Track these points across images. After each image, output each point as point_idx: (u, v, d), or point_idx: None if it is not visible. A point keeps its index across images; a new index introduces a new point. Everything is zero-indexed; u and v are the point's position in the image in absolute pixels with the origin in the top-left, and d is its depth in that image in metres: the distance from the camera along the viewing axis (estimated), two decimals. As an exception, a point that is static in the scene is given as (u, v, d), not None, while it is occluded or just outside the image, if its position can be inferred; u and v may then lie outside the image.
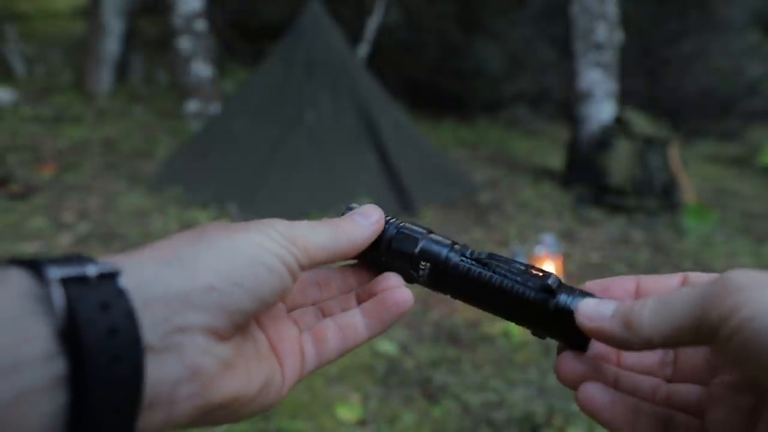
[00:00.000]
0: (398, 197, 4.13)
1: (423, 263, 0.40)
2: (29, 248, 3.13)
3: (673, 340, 0.29)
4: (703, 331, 0.28)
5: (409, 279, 0.41)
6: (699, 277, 0.34)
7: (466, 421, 2.04)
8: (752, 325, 0.25)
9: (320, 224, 0.37)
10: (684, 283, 0.35)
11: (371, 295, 0.40)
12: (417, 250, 0.40)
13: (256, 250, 0.32)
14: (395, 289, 0.40)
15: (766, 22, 8.63)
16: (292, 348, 0.38)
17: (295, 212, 3.85)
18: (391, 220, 0.42)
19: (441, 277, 0.40)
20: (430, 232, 0.42)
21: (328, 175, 4.12)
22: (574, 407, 2.06)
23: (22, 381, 0.24)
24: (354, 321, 0.39)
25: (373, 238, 0.40)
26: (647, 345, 0.30)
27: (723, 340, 0.27)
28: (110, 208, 3.83)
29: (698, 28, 8.14)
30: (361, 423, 2.01)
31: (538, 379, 2.28)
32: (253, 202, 3.86)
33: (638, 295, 0.36)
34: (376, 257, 0.41)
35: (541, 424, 2.00)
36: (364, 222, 0.39)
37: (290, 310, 0.40)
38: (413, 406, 2.10)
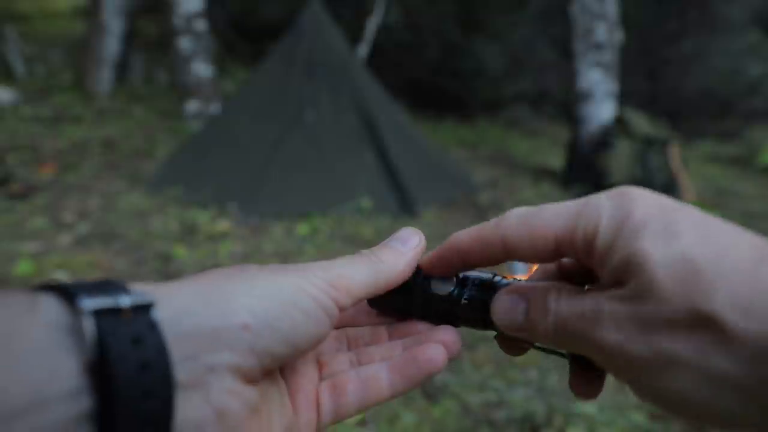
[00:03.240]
0: (398, 197, 4.13)
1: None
2: (29, 248, 3.13)
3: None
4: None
5: (484, 327, 0.37)
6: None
7: (466, 421, 2.04)
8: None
9: (358, 259, 0.35)
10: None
11: (405, 334, 0.38)
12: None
13: (295, 293, 0.31)
14: (437, 345, 0.36)
15: (766, 22, 8.63)
16: (308, 399, 0.35)
17: (295, 212, 3.85)
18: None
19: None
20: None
21: (328, 175, 4.12)
22: (575, 407, 2.06)
23: (44, 420, 0.23)
24: (378, 374, 0.36)
25: (414, 264, 0.37)
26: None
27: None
28: (110, 208, 3.83)
29: (698, 28, 8.14)
30: (361, 423, 2.01)
31: (538, 379, 2.29)
32: (253, 202, 3.86)
33: (558, 249, 0.33)
34: (402, 303, 0.38)
35: (541, 424, 2.00)
36: (404, 248, 0.37)
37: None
38: (413, 405, 2.10)
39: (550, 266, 0.38)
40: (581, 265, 0.35)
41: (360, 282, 0.34)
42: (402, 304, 0.38)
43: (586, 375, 0.35)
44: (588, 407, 2.08)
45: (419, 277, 0.38)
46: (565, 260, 0.36)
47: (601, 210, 0.30)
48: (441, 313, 0.38)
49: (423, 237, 0.38)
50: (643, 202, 0.29)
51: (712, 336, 0.25)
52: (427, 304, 0.38)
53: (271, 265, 0.33)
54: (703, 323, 0.26)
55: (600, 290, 0.30)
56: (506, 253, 0.33)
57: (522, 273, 3.07)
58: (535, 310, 0.32)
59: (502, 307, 0.35)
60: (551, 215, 0.31)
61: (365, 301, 0.38)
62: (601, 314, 0.29)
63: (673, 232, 0.27)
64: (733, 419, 0.26)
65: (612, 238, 0.29)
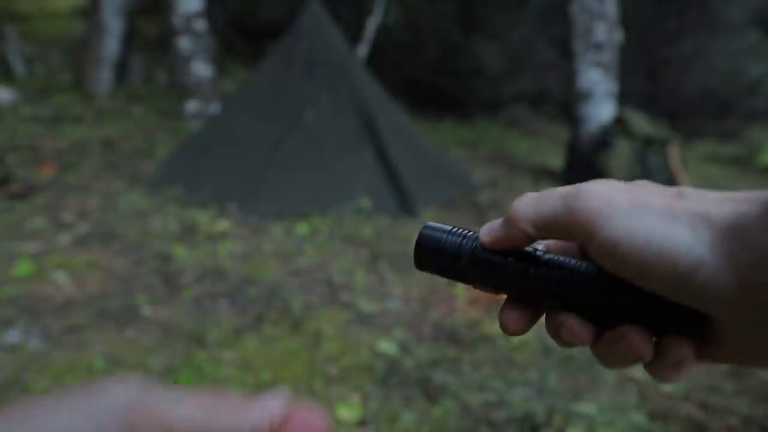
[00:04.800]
0: (397, 197, 4.13)
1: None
2: (29, 248, 3.13)
3: (545, 232, 0.35)
4: (570, 235, 0.34)
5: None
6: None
7: (466, 421, 2.04)
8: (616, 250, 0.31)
9: (195, 398, 0.29)
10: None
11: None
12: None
13: None
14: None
15: (766, 22, 8.63)
16: None
17: (294, 212, 3.85)
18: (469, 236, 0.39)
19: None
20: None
21: (328, 175, 4.12)
22: (575, 407, 2.06)
23: None
24: None
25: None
26: (526, 236, 0.36)
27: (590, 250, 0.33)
28: (110, 207, 3.83)
29: (698, 28, 8.14)
30: (361, 423, 2.01)
31: (538, 379, 2.28)
32: (252, 202, 3.86)
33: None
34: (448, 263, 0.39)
35: (541, 424, 2.00)
36: (253, 411, 0.29)
37: None
38: (413, 406, 2.10)
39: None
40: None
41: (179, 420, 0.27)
42: (448, 263, 0.39)
43: (520, 309, 0.37)
44: (588, 407, 2.08)
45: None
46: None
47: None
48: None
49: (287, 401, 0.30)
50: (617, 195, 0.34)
51: (678, 197, 0.32)
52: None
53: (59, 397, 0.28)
54: (672, 192, 0.32)
55: None
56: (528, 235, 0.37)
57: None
58: (514, 212, 0.36)
59: (486, 226, 0.38)
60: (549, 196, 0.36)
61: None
62: (589, 185, 0.33)
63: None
64: (686, 258, 0.29)
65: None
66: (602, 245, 0.31)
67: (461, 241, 0.39)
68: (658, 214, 0.30)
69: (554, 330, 0.36)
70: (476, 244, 0.38)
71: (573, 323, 0.35)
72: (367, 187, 4.09)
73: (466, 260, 0.38)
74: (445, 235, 0.39)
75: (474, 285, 0.39)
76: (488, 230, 0.37)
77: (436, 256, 0.39)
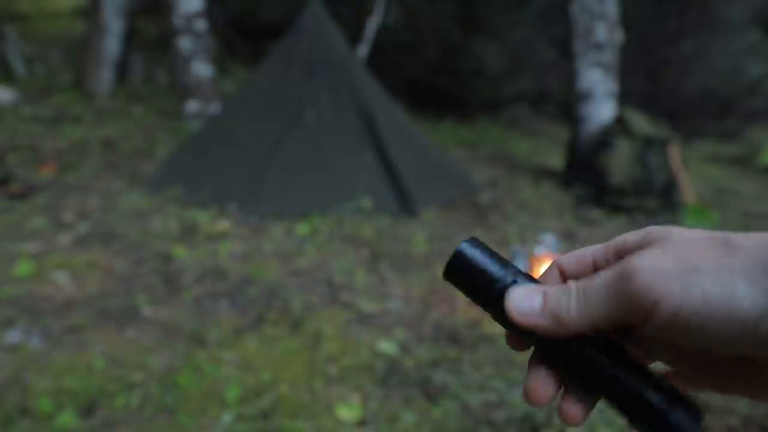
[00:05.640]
0: (398, 197, 4.13)
1: None
2: (29, 248, 3.13)
3: (598, 328, 0.34)
4: (626, 322, 0.33)
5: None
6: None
7: (467, 421, 2.03)
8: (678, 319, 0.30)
9: None
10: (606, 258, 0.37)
11: None
12: None
13: None
14: None
15: (766, 22, 8.63)
16: None
17: (294, 212, 3.85)
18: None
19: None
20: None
21: (328, 175, 4.12)
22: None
23: None
24: None
25: None
26: (578, 333, 0.35)
27: (648, 331, 0.32)
28: (110, 207, 3.83)
29: (698, 28, 8.14)
30: (361, 423, 2.01)
31: (538, 379, 2.28)
32: (253, 202, 3.86)
33: (596, 266, 0.38)
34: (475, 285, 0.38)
35: (541, 425, 2.00)
36: None
37: None
38: (413, 406, 2.10)
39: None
40: None
41: None
42: (473, 286, 0.38)
43: (581, 396, 0.37)
44: (588, 407, 2.07)
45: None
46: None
47: (631, 234, 0.36)
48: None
49: None
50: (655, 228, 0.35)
51: (726, 249, 0.31)
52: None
53: None
54: (717, 242, 0.32)
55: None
56: (561, 274, 0.38)
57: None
58: (555, 294, 0.35)
59: (519, 296, 0.35)
60: (591, 248, 0.38)
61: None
62: (632, 257, 0.32)
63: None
64: (743, 314, 0.29)
65: (639, 240, 0.35)
66: (661, 319, 0.31)
67: (501, 275, 0.37)
68: (713, 274, 0.30)
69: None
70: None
71: (569, 407, 0.37)
72: (368, 187, 4.09)
73: (499, 304, 0.36)
74: (488, 260, 0.37)
75: (499, 323, 0.38)
76: (524, 309, 0.35)
77: (470, 278, 0.38)
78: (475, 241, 0.38)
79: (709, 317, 0.29)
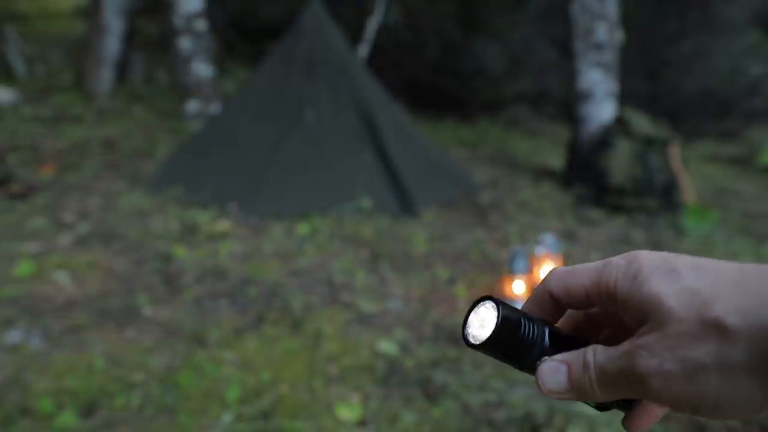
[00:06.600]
0: (398, 197, 4.13)
1: None
2: (29, 248, 3.13)
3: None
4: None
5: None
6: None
7: (467, 421, 2.03)
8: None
9: None
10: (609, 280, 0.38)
11: None
12: None
13: None
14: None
15: (766, 22, 8.63)
16: None
17: (294, 212, 3.85)
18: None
19: None
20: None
21: (328, 175, 4.12)
22: (575, 407, 2.06)
23: None
24: None
25: None
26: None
27: None
28: (110, 208, 3.83)
29: (698, 28, 8.14)
30: (361, 423, 2.01)
31: (538, 379, 2.28)
32: (253, 202, 3.86)
33: (588, 299, 0.39)
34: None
35: (542, 424, 2.00)
36: None
37: None
38: (413, 406, 2.10)
39: (579, 314, 0.43)
40: (608, 312, 0.41)
41: None
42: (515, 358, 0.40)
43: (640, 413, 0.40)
44: (588, 408, 2.07)
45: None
46: (592, 310, 0.43)
47: (616, 269, 0.36)
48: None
49: None
50: (648, 256, 0.36)
51: (723, 338, 0.32)
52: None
53: None
54: (712, 330, 0.32)
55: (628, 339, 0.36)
56: (555, 302, 0.40)
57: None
58: (576, 369, 0.37)
59: (546, 373, 0.38)
60: (580, 274, 0.39)
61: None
62: (637, 349, 0.34)
63: (675, 273, 0.34)
64: (757, 405, 0.32)
65: (629, 287, 0.35)
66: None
67: (532, 339, 0.39)
68: (718, 374, 0.32)
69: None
70: (543, 350, 0.39)
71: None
72: (368, 187, 4.09)
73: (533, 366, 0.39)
74: (519, 331, 0.39)
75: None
76: (553, 387, 0.38)
77: (505, 349, 0.39)
78: (504, 306, 0.39)
79: (717, 410, 0.33)
